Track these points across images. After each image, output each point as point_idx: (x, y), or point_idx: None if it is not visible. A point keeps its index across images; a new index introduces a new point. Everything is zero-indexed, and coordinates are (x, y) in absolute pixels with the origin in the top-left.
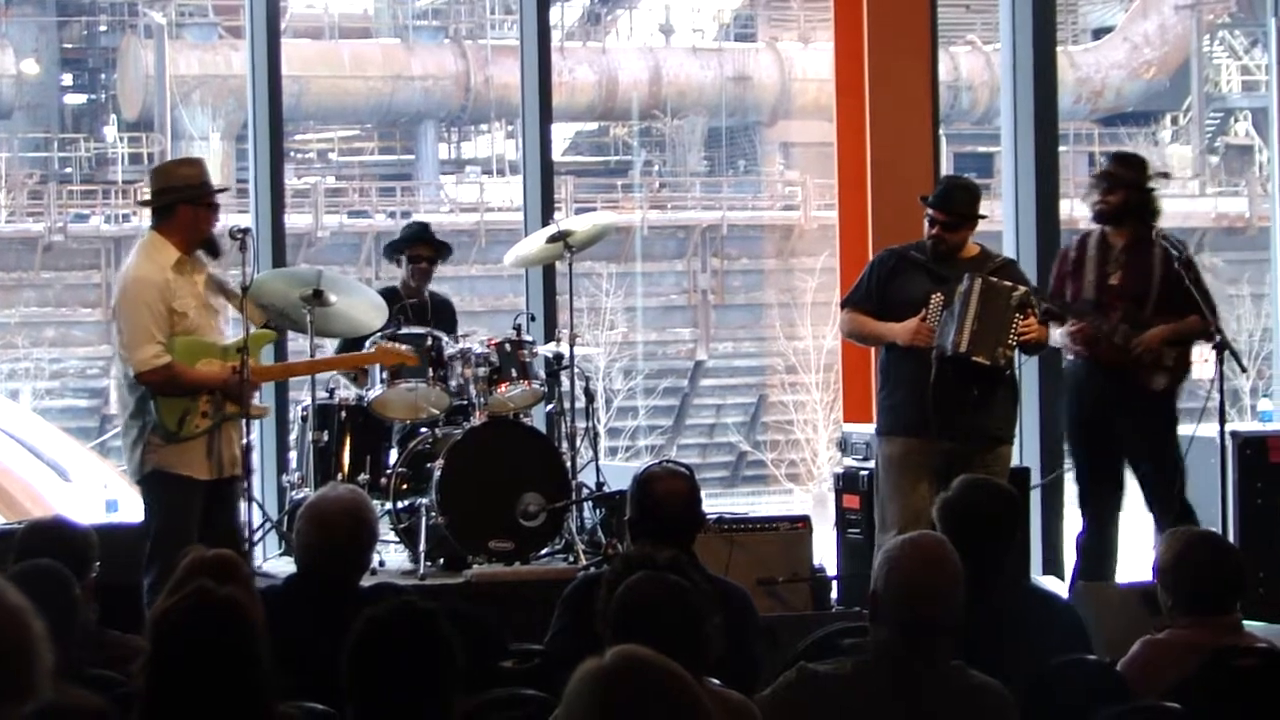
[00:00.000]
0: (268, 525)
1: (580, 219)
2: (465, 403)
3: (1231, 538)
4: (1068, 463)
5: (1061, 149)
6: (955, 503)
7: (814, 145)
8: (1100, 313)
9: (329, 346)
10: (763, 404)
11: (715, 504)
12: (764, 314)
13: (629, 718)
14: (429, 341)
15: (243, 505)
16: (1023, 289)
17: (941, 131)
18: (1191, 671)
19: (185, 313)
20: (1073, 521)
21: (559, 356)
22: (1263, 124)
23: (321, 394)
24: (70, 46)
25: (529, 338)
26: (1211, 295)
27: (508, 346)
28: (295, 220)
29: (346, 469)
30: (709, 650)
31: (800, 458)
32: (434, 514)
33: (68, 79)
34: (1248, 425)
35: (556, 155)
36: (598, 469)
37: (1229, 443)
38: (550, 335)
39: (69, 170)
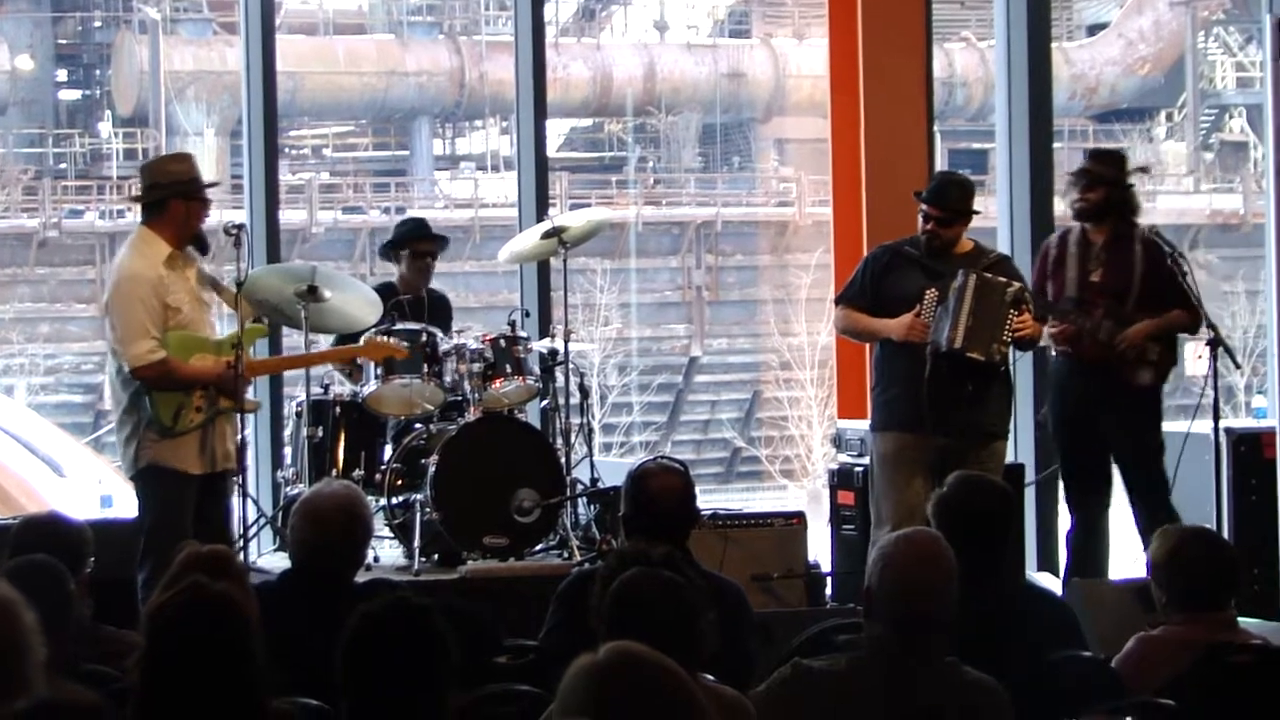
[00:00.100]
0: (262, 521)
1: (575, 215)
2: (460, 398)
3: (1226, 534)
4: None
5: (1056, 145)
6: (950, 499)
7: (808, 141)
8: (1083, 310)
9: (324, 342)
10: (757, 400)
11: (710, 500)
12: (758, 310)
13: (623, 713)
14: (423, 337)
15: (235, 501)
16: (1017, 285)
17: (936, 128)
18: (1186, 668)
19: (178, 307)
20: (1067, 518)
21: (553, 352)
22: (1257, 120)
23: (316, 390)
24: (65, 42)
25: (523, 333)
26: (1195, 292)
27: (502, 342)
28: (290, 216)
29: (341, 465)
30: (703, 646)
31: (795, 454)
32: (428, 510)
33: (62, 74)
34: (1242, 422)
35: (551, 151)
36: (592, 465)
37: (1223, 439)
38: (545, 331)
39: (64, 166)
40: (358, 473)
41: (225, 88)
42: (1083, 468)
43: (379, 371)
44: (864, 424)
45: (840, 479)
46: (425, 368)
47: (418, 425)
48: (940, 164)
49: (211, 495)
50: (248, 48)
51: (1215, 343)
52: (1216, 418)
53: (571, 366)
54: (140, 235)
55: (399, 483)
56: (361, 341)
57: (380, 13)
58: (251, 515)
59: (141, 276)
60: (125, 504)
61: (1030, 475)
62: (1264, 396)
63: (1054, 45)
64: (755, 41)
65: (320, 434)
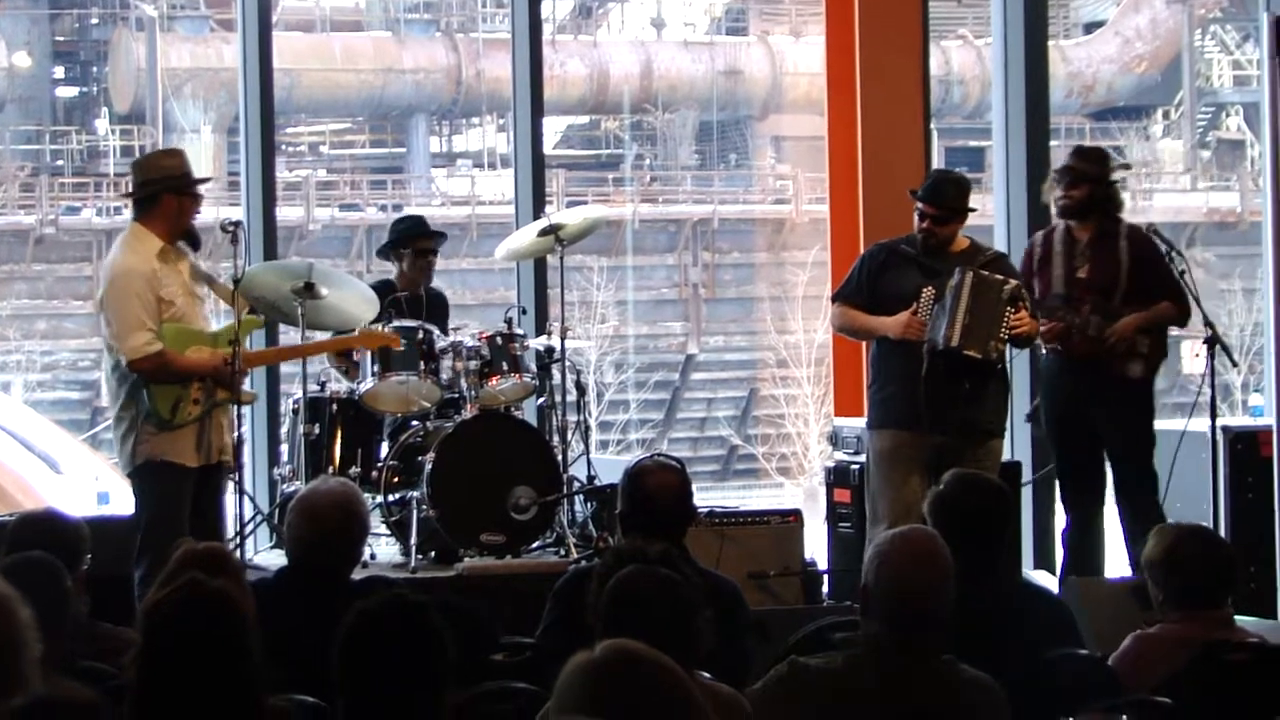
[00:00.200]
0: (259, 518)
1: (571, 212)
2: (456, 396)
3: (1223, 532)
4: None
5: (1053, 143)
6: (946, 497)
7: (805, 139)
8: (1070, 306)
9: (320, 339)
10: (754, 398)
11: (706, 498)
12: (755, 308)
13: (620, 710)
14: (420, 335)
15: (231, 498)
16: (1014, 282)
17: (933, 125)
18: (1182, 666)
19: (172, 301)
20: (1063, 516)
21: (550, 350)
22: (1254, 119)
23: (313, 387)
24: (62, 39)
25: (520, 331)
26: (1192, 290)
27: (499, 340)
28: (286, 213)
29: (337, 462)
30: (699, 644)
31: (791, 451)
32: (425, 507)
33: (59, 72)
34: (1239, 420)
35: (548, 149)
36: (589, 462)
37: (1220, 438)
38: (541, 328)
39: (60, 163)
40: (354, 470)
41: (222, 85)
42: (1077, 466)
43: (376, 369)
44: (860, 422)
45: (837, 477)
46: (422, 365)
47: (414, 423)
48: (937, 162)
49: (206, 488)
50: (245, 45)
51: (1212, 341)
52: (1213, 416)
53: (568, 364)
54: (132, 231)
55: (396, 480)
56: (356, 332)
57: (377, 10)
58: (248, 512)
59: (135, 271)
60: (122, 501)
61: (1027, 474)
62: (1261, 395)
63: (1051, 43)
64: (752, 39)
65: (317, 431)
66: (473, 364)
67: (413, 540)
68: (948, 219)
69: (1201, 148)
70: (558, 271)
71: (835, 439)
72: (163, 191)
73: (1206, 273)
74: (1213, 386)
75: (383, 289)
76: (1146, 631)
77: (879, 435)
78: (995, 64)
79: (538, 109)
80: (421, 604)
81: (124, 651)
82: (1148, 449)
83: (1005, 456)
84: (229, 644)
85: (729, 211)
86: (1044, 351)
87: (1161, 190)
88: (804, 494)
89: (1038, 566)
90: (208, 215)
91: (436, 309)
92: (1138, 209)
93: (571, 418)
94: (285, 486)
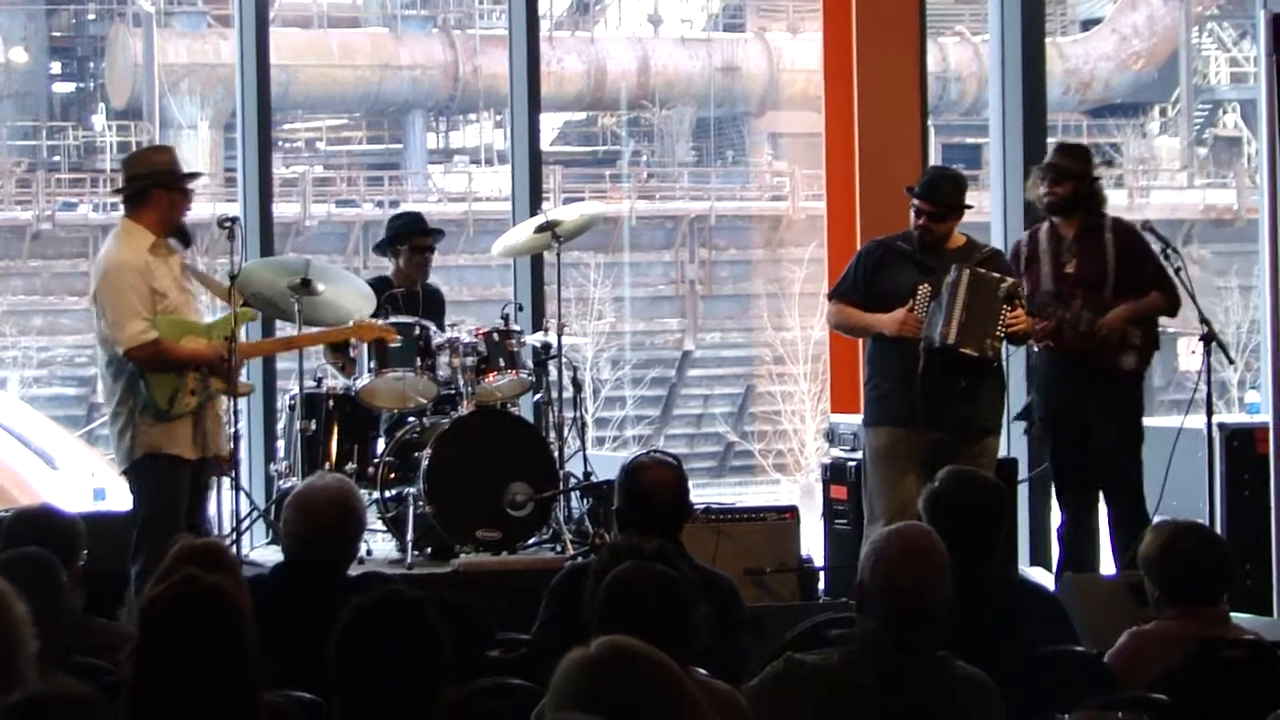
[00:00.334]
0: (255, 514)
1: (568, 209)
2: (453, 392)
3: (1219, 529)
4: None
5: (1050, 140)
6: (941, 494)
7: (802, 136)
8: (1060, 301)
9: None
10: (750, 394)
11: (702, 494)
12: (752, 304)
13: (616, 707)
14: (416, 331)
15: (227, 493)
16: (1010, 280)
17: (930, 122)
18: (1178, 663)
19: (165, 293)
20: (1058, 513)
21: (547, 346)
22: (1251, 116)
23: (309, 383)
24: (59, 35)
25: (517, 327)
26: (1188, 287)
27: (495, 336)
28: (283, 209)
29: (334, 458)
30: (696, 640)
31: (788, 448)
32: (421, 503)
33: (56, 67)
34: (1235, 417)
35: (545, 145)
36: (585, 459)
37: (1216, 434)
38: (538, 325)
39: (57, 159)
40: (350, 466)
41: (219, 81)
42: (1071, 463)
43: (372, 365)
44: (857, 418)
45: (833, 473)
46: (418, 361)
47: (411, 419)
48: (934, 159)
49: (195, 484)
50: (242, 41)
51: (1209, 338)
52: (1210, 413)
53: (564, 360)
54: (124, 227)
55: (392, 476)
56: (350, 324)
57: (374, 6)
58: (245, 508)
59: (129, 263)
60: (118, 497)
61: (1023, 471)
62: (1257, 392)
63: (1048, 40)
64: (749, 35)
65: (313, 427)
66: (469, 360)
67: (409, 536)
68: (944, 216)
69: (1198, 145)
70: (554, 268)
71: (832, 436)
72: (153, 187)
73: (1203, 270)
74: (1209, 383)
75: (379, 285)
76: (1142, 628)
77: (875, 432)
78: (992, 61)
79: (535, 105)
80: (418, 600)
81: (120, 647)
82: (1137, 445)
83: (1001, 454)
84: (225, 640)
85: (726, 208)
86: (1035, 349)
87: (1158, 187)
88: (800, 491)
89: (1034, 563)
90: (205, 211)
91: (433, 305)
92: (1135, 206)
93: (568, 414)
94: (282, 482)
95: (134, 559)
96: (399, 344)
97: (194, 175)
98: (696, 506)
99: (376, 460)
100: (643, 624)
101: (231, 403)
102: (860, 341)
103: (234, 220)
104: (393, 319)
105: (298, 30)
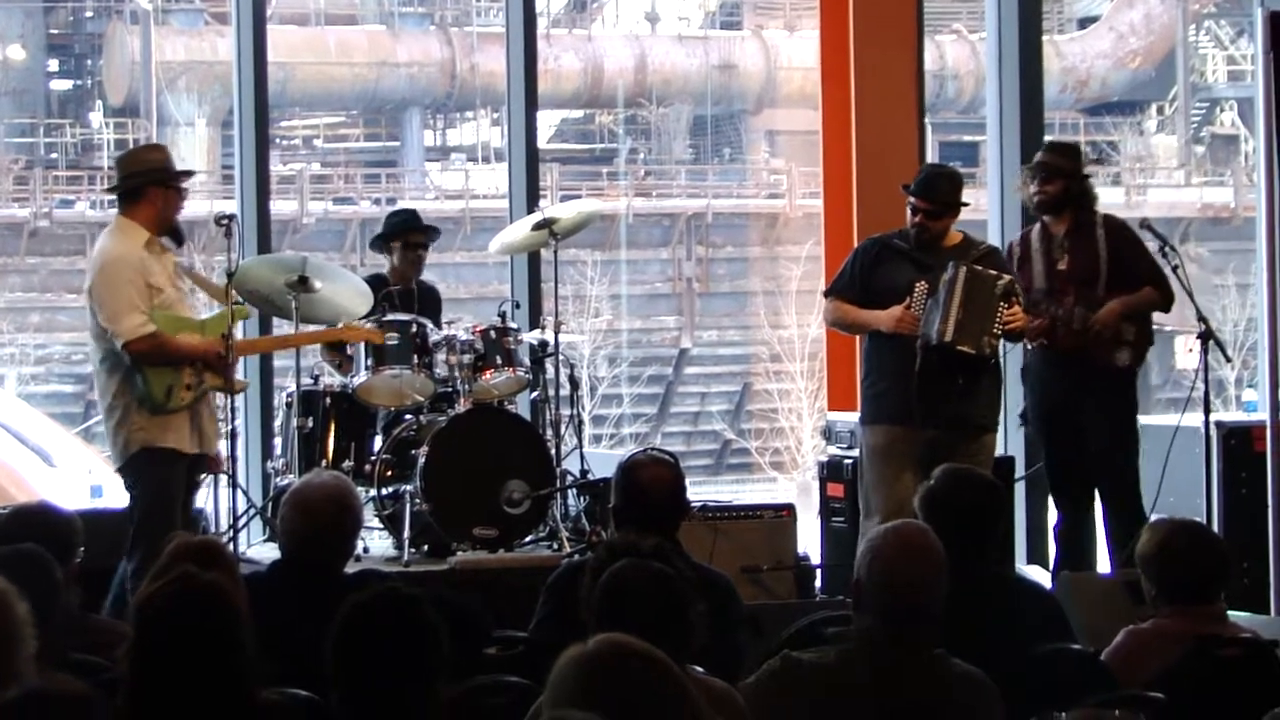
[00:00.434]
0: (252, 512)
1: (565, 206)
2: (450, 390)
3: (1216, 527)
4: None
5: (1047, 138)
6: (937, 493)
7: (799, 133)
8: (1053, 299)
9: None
10: (747, 392)
11: (699, 492)
12: (749, 302)
13: (613, 704)
14: (414, 328)
15: (224, 491)
16: (1007, 277)
17: (927, 120)
18: (1175, 661)
19: (160, 288)
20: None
21: (544, 344)
22: (1248, 114)
23: (306, 381)
24: (56, 32)
25: (514, 325)
26: (1186, 285)
27: (492, 333)
28: (280, 207)
29: (331, 455)
30: (693, 638)
31: (785, 446)
32: (418, 501)
33: (54, 64)
34: (1232, 415)
35: (542, 142)
36: (582, 456)
37: (1213, 433)
38: (535, 322)
39: (55, 156)
40: (348, 464)
41: (216, 78)
42: (1066, 461)
43: (369, 362)
44: (854, 416)
45: (830, 471)
46: (415, 359)
47: (408, 416)
48: (931, 156)
49: (188, 479)
50: (239, 38)
51: (1206, 336)
52: (1207, 411)
53: (562, 358)
54: (118, 224)
55: (389, 474)
56: (340, 325)
57: (371, 3)
58: (241, 506)
59: (125, 258)
60: (115, 494)
61: (1020, 469)
62: (1254, 390)
63: (1045, 38)
64: (746, 33)
65: (310, 425)
66: (466, 358)
67: (406, 534)
68: (940, 214)
69: (1196, 143)
70: (551, 265)
71: (829, 433)
72: (147, 184)
73: (1200, 268)
74: (1206, 382)
75: (375, 282)
76: (1139, 626)
77: (872, 431)
78: (990, 59)
79: (532, 103)
80: (415, 598)
81: (117, 644)
82: (1133, 442)
83: (998, 452)
84: (222, 637)
85: (723, 206)
86: (1029, 347)
87: (1156, 185)
88: (797, 488)
89: (1031, 561)
90: (202, 208)
91: (428, 303)
92: (1132, 204)
93: (565, 412)
94: (279, 480)
95: (129, 555)
96: (396, 341)
97: (188, 173)
98: (693, 504)
99: (373, 458)
100: (640, 622)
101: (228, 400)
102: (857, 339)
103: (231, 217)
104: (389, 316)
105: (295, 28)
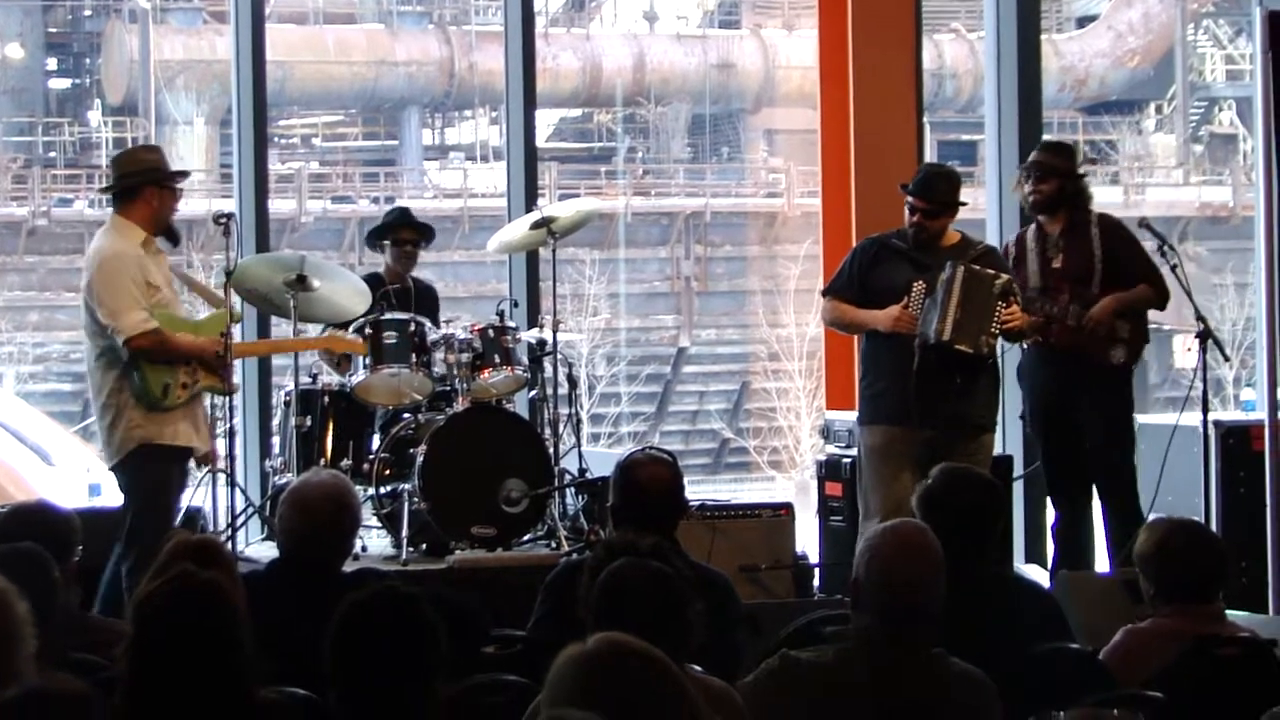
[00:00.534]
0: (250, 510)
1: (564, 205)
2: (448, 388)
3: (1214, 527)
4: None
5: (1045, 137)
6: (935, 492)
7: (798, 132)
8: (1048, 296)
9: (312, 331)
10: (745, 391)
11: (698, 491)
12: (747, 301)
13: (612, 703)
14: (412, 327)
15: (221, 489)
16: (1005, 277)
17: (925, 119)
18: (1173, 660)
19: (158, 287)
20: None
21: (542, 342)
22: (1247, 113)
23: (305, 379)
24: (55, 31)
25: (512, 323)
26: (1184, 284)
27: (491, 332)
28: (279, 205)
29: (329, 454)
30: (691, 637)
31: (783, 445)
32: (416, 499)
33: (52, 63)
34: (1231, 414)
35: (540, 141)
36: (580, 455)
37: (1212, 432)
38: (533, 321)
39: (53, 155)
40: (346, 462)
41: (215, 77)
42: (1063, 460)
43: (368, 361)
44: (852, 415)
45: (828, 470)
46: (414, 358)
47: (406, 415)
48: (930, 156)
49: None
50: (238, 37)
51: (1204, 335)
52: (1205, 410)
53: (560, 357)
54: (114, 222)
55: (387, 472)
56: (325, 332)
57: (370, 2)
58: (240, 504)
59: (125, 255)
60: (113, 493)
61: (1019, 468)
62: (1252, 389)
63: (1043, 37)
64: (745, 32)
65: (309, 423)
66: (465, 357)
67: (404, 533)
68: (938, 213)
69: (1194, 142)
70: (550, 264)
71: (827, 432)
72: (143, 184)
73: (1199, 267)
74: (1204, 381)
75: (371, 281)
76: (1138, 626)
77: (870, 431)
78: (988, 58)
79: (530, 102)
80: (413, 596)
81: (115, 643)
82: (1129, 440)
83: (997, 451)
84: (220, 636)
85: (721, 205)
86: (1024, 345)
87: (1154, 185)
88: (795, 487)
89: (1029, 561)
90: (200, 207)
91: (425, 301)
92: (1130, 203)
93: (563, 410)
94: (277, 479)
95: (125, 552)
96: (394, 340)
97: (183, 174)
98: (692, 503)
99: (372, 456)
100: (638, 621)
101: (227, 399)
102: (855, 338)
103: (229, 216)
104: (388, 315)
105: (293, 26)
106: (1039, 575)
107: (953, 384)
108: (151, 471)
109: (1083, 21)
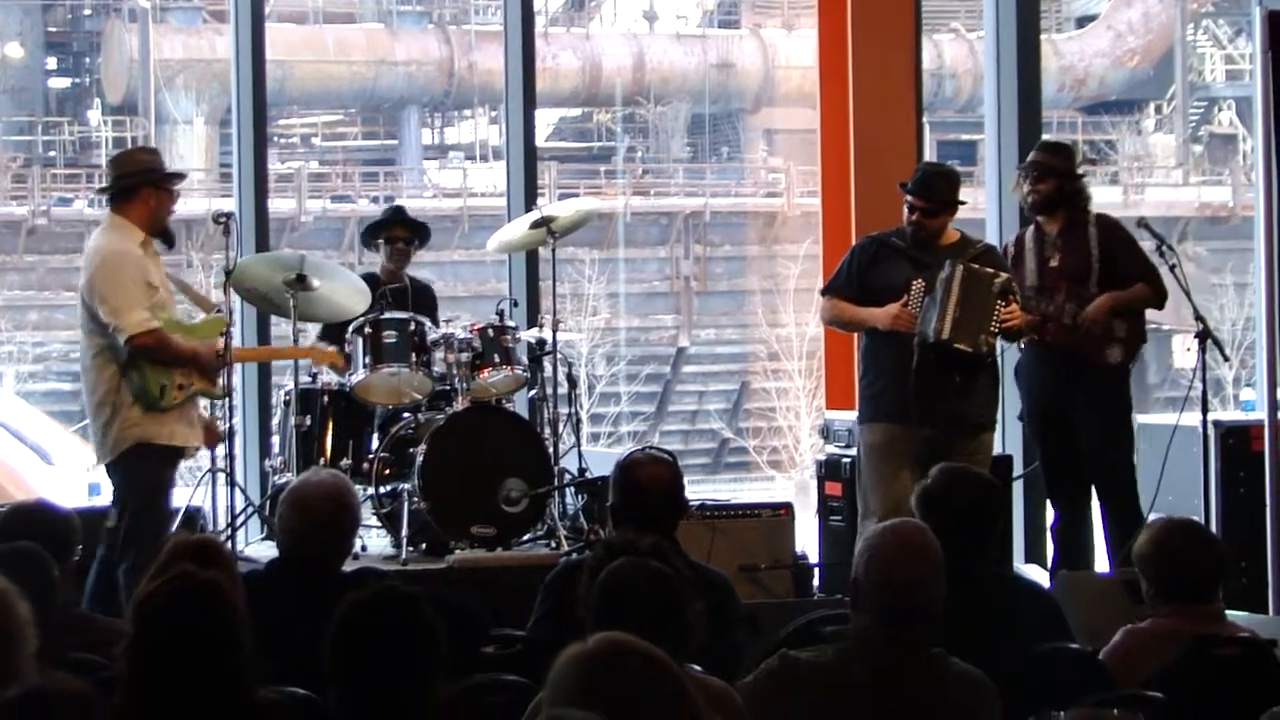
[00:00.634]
0: (250, 510)
1: (563, 205)
2: (448, 388)
3: (1213, 527)
4: None
5: (1044, 137)
6: (934, 492)
7: (797, 132)
8: (1045, 295)
9: (312, 331)
10: (745, 391)
11: (697, 490)
12: (747, 301)
13: (612, 702)
14: (412, 326)
15: (221, 489)
16: (1005, 275)
17: (925, 119)
18: (1173, 660)
19: (156, 286)
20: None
21: (541, 342)
22: (1246, 113)
23: (304, 379)
24: (55, 30)
25: (512, 323)
26: (1183, 284)
27: (490, 332)
28: (278, 205)
29: (329, 454)
30: (691, 636)
31: (783, 445)
32: (416, 499)
33: (52, 63)
34: (1230, 415)
35: (540, 141)
36: (580, 455)
37: (1211, 432)
38: (533, 321)
39: (53, 154)
40: (345, 462)
41: (214, 76)
42: (1061, 459)
43: (367, 360)
44: (852, 415)
45: (828, 470)
46: (414, 357)
47: (406, 414)
48: (929, 155)
49: None
50: (237, 36)
51: (1204, 335)
52: (1205, 410)
53: (559, 356)
54: (112, 221)
55: (387, 472)
56: (310, 345)
57: (370, 2)
58: (239, 504)
59: (127, 253)
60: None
61: (1018, 468)
62: (1252, 389)
63: (1043, 37)
64: (744, 32)
65: (308, 423)
66: (464, 356)
67: (404, 532)
68: (937, 212)
69: (1194, 142)
70: (549, 264)
71: (826, 432)
72: (141, 185)
73: (1198, 267)
74: (1204, 381)
75: (368, 281)
76: (1137, 626)
77: (870, 429)
78: (987, 58)
79: (530, 101)
80: (412, 596)
81: (115, 643)
82: (1127, 440)
83: (996, 450)
84: (220, 636)
85: (721, 204)
86: (1021, 346)
87: (1154, 185)
88: (795, 487)
89: (1029, 560)
90: (200, 206)
91: (422, 300)
92: (1130, 203)
93: (563, 410)
94: (276, 478)
95: (123, 553)
96: (394, 339)
97: (180, 175)
98: (691, 503)
99: (371, 456)
100: (638, 620)
101: (226, 400)
102: (855, 338)
103: (229, 215)
104: (387, 314)
105: (293, 26)
106: (1039, 575)
107: (952, 383)
108: (147, 471)
109: (1082, 21)
